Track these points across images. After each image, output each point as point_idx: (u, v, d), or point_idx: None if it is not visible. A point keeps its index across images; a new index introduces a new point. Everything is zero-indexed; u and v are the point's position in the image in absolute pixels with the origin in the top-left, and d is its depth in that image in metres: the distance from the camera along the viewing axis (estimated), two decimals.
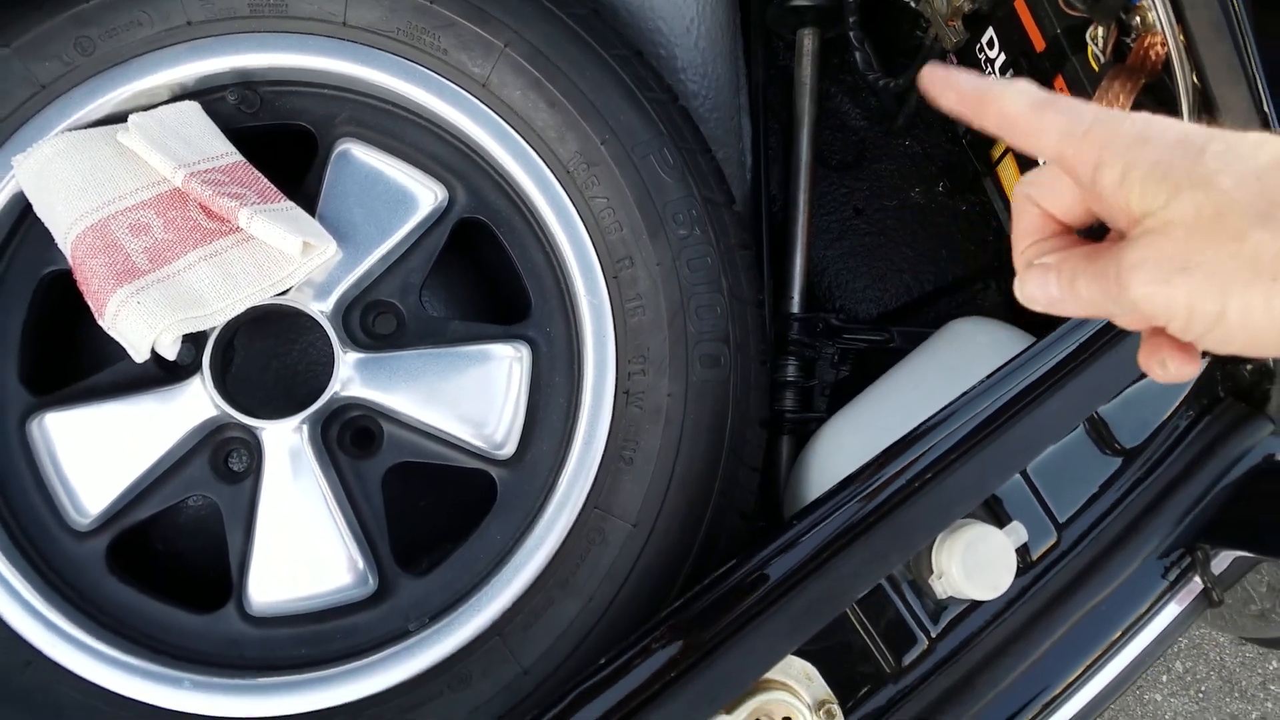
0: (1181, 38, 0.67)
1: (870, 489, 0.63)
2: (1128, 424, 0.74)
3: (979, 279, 1.02)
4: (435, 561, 0.78)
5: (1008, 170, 0.93)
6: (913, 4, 0.90)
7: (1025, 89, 0.40)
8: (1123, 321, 0.39)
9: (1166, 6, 0.67)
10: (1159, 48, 0.71)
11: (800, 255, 0.99)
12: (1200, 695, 1.37)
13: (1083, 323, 0.67)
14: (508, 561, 0.75)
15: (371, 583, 0.76)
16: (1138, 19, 0.72)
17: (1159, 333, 0.39)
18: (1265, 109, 0.65)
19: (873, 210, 1.04)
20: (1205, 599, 0.78)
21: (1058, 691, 0.73)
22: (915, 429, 0.64)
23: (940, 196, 1.04)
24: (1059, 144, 0.39)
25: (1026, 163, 0.90)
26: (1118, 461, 0.74)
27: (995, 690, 0.71)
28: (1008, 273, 1.01)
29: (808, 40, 1.01)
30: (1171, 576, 0.76)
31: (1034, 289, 0.42)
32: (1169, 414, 0.74)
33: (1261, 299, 0.34)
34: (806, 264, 0.98)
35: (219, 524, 0.78)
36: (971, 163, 0.97)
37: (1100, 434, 0.73)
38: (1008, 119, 0.41)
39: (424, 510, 0.87)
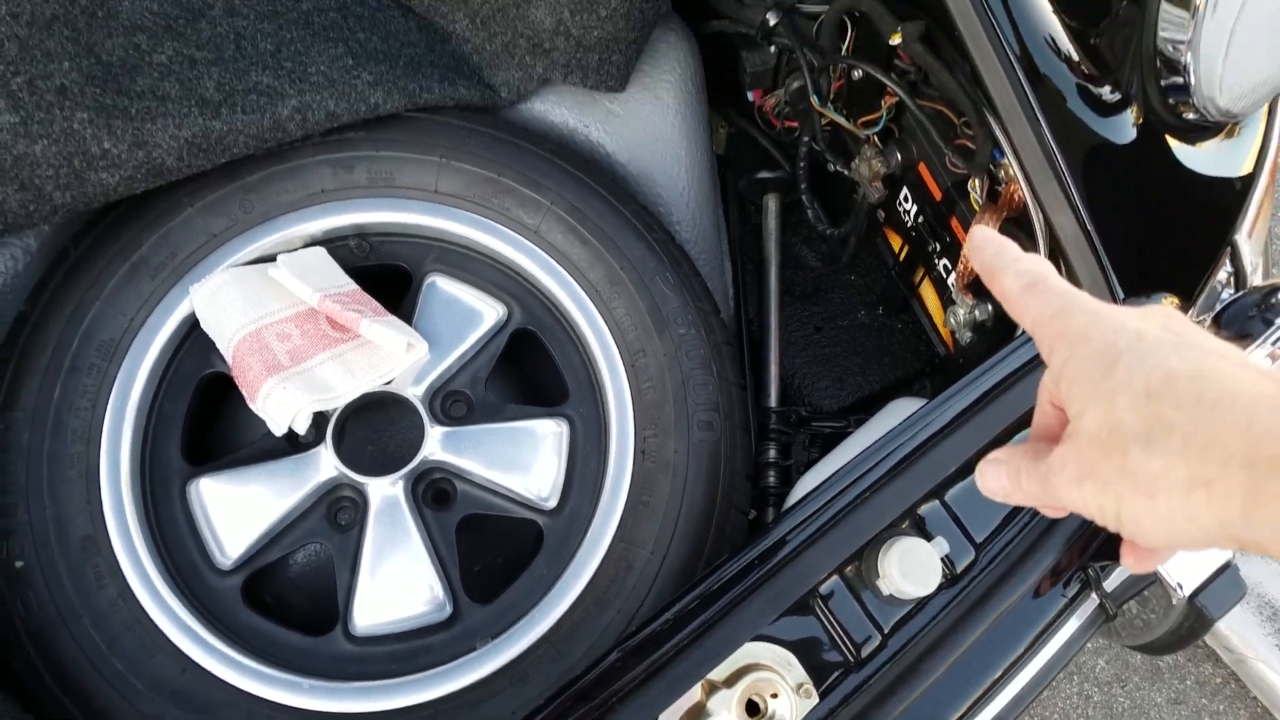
0: (1028, 184, 0.92)
1: (821, 504, 0.84)
2: None
3: (915, 379, 1.24)
4: (496, 593, 0.96)
5: (927, 292, 1.18)
6: (845, 173, 1.18)
7: (1025, 270, 0.43)
8: (1063, 513, 0.43)
9: (1019, 164, 0.93)
10: (1019, 192, 0.96)
11: (774, 363, 1.22)
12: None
13: (979, 377, 0.89)
14: (553, 588, 0.94)
15: (447, 609, 0.94)
16: (1003, 173, 0.98)
17: None
18: (1088, 229, 0.90)
19: (829, 328, 1.29)
20: (1102, 612, 0.96)
21: (986, 686, 0.89)
22: (853, 460, 0.85)
23: (880, 317, 1.29)
24: (1032, 326, 0.42)
25: (942, 288, 1.14)
26: None
27: (935, 677, 0.87)
28: (935, 373, 1.25)
29: (771, 203, 1.29)
30: (1070, 593, 0.94)
31: (989, 481, 0.46)
32: None
33: (1146, 510, 0.37)
34: (780, 370, 1.22)
35: (324, 570, 0.96)
36: (900, 290, 1.22)
37: None
38: (1004, 294, 0.44)
39: (489, 552, 1.06)
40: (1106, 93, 0.91)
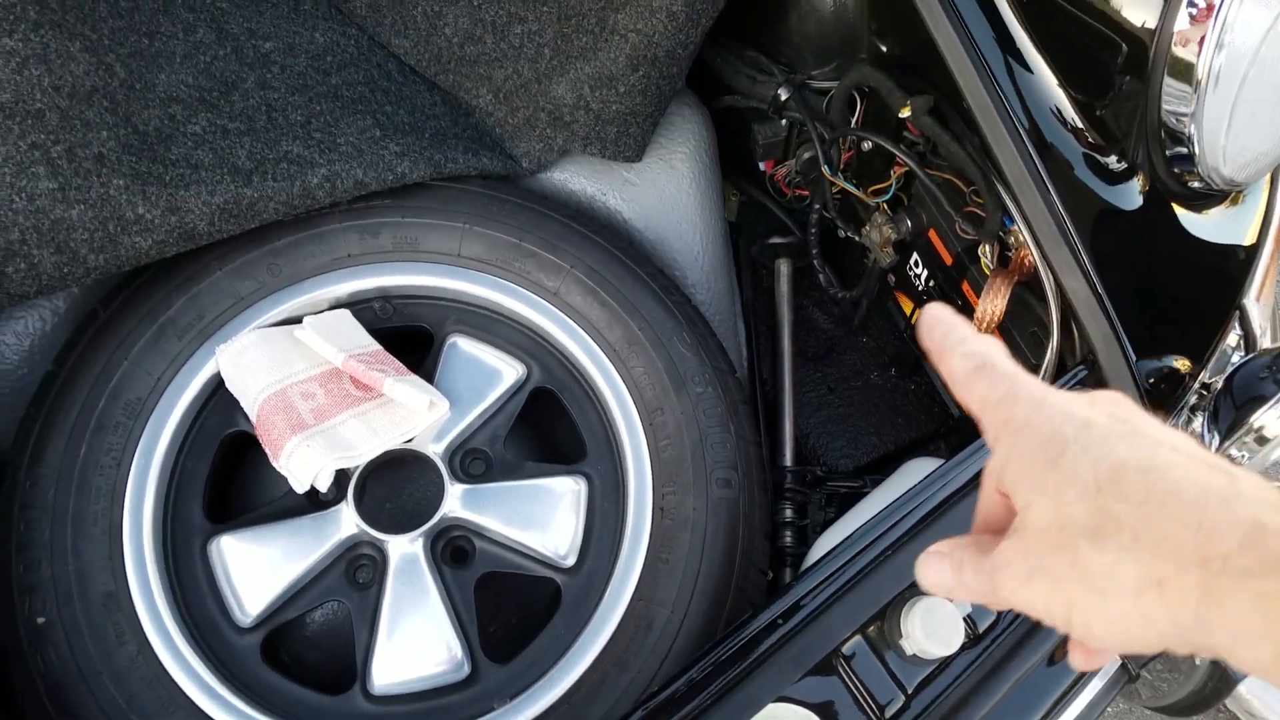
0: (1039, 250, 0.94)
1: (842, 563, 0.83)
2: None
3: (929, 439, 1.25)
4: (514, 653, 0.95)
5: None
6: (856, 239, 1.20)
7: (973, 351, 0.42)
8: (1005, 608, 0.41)
9: (1030, 230, 0.95)
10: (1029, 257, 0.98)
11: (789, 423, 1.23)
12: None
13: None
14: (572, 648, 0.93)
15: (466, 669, 0.93)
16: (1013, 239, 1.00)
17: None
18: (1099, 292, 0.92)
19: (843, 389, 1.30)
20: (1125, 672, 0.95)
21: None
22: (873, 519, 0.85)
23: (892, 378, 1.30)
24: (979, 411, 0.41)
25: None
26: None
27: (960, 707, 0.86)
28: (950, 434, 1.25)
29: (783, 267, 1.31)
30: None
31: (929, 576, 0.43)
32: None
33: (1097, 610, 0.35)
34: (795, 430, 1.22)
35: (341, 628, 0.96)
36: (912, 351, 1.23)
37: None
38: (951, 375, 0.43)
39: (505, 611, 1.05)
40: (1113, 162, 0.94)
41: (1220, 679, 0.87)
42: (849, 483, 1.18)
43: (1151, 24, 0.85)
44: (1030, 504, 0.37)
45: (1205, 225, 0.99)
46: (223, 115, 1.02)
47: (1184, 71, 0.85)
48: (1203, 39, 0.82)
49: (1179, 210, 0.97)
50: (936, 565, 0.43)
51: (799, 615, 0.81)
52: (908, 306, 1.22)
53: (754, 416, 1.05)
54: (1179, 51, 0.84)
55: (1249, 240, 1.00)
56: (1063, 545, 0.36)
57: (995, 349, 0.43)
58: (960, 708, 0.87)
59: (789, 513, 1.17)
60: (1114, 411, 0.39)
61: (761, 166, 1.28)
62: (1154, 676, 0.98)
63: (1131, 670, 0.94)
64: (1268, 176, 1.03)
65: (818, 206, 1.23)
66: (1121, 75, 0.91)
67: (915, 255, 1.15)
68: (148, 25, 1.04)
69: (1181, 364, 0.96)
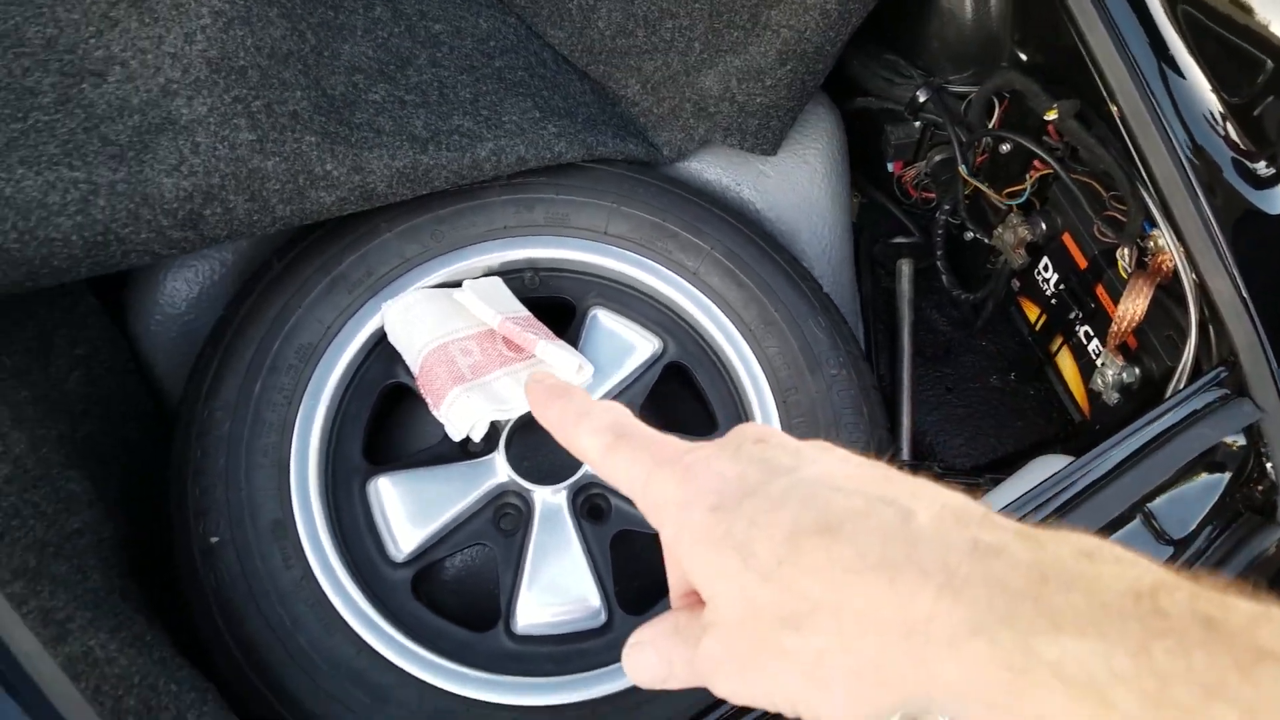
0: (1184, 252, 0.95)
1: None
2: (1173, 523, 0.95)
3: (1050, 444, 1.25)
4: (646, 607, 0.99)
5: (1065, 360, 1.20)
6: (986, 240, 1.22)
7: (602, 426, 0.37)
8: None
9: (1171, 236, 0.97)
10: (1169, 261, 0.99)
11: (907, 418, 1.24)
12: None
13: (1129, 435, 0.91)
14: None
15: (602, 617, 0.97)
16: (1152, 243, 1.01)
17: None
18: (1243, 295, 0.92)
19: (961, 390, 1.31)
20: None
21: None
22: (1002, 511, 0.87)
23: (1012, 383, 1.31)
24: (627, 492, 0.37)
25: (1081, 355, 1.16)
26: (1170, 549, 0.94)
27: None
28: (1070, 438, 1.26)
29: (905, 267, 1.33)
30: None
31: (639, 671, 0.37)
32: (1204, 518, 0.96)
33: (822, 701, 0.31)
34: (912, 426, 1.24)
35: (481, 572, 1.00)
36: (1036, 356, 1.25)
37: (1153, 528, 0.94)
38: (585, 456, 0.39)
39: (638, 570, 1.08)
40: (1262, 167, 0.95)
41: None
42: (967, 480, 1.20)
43: None
44: (715, 595, 0.33)
45: None
46: (399, 87, 1.09)
47: None
48: None
49: None
50: (641, 659, 0.37)
51: None
52: (1032, 312, 1.23)
53: (884, 404, 1.08)
54: None
55: None
56: (763, 638, 0.31)
57: (623, 415, 0.39)
58: None
59: None
60: (765, 457, 0.35)
61: (890, 168, 1.31)
62: None
63: None
64: None
65: (946, 208, 1.26)
66: (1274, 80, 0.92)
67: (1046, 259, 1.17)
68: None
69: None
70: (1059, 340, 1.19)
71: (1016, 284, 1.25)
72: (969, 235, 1.26)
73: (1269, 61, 0.91)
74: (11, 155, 0.90)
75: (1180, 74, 0.95)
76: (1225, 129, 0.95)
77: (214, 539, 0.93)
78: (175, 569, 0.95)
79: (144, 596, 0.91)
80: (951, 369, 1.33)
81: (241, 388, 1.00)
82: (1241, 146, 0.95)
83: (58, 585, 0.78)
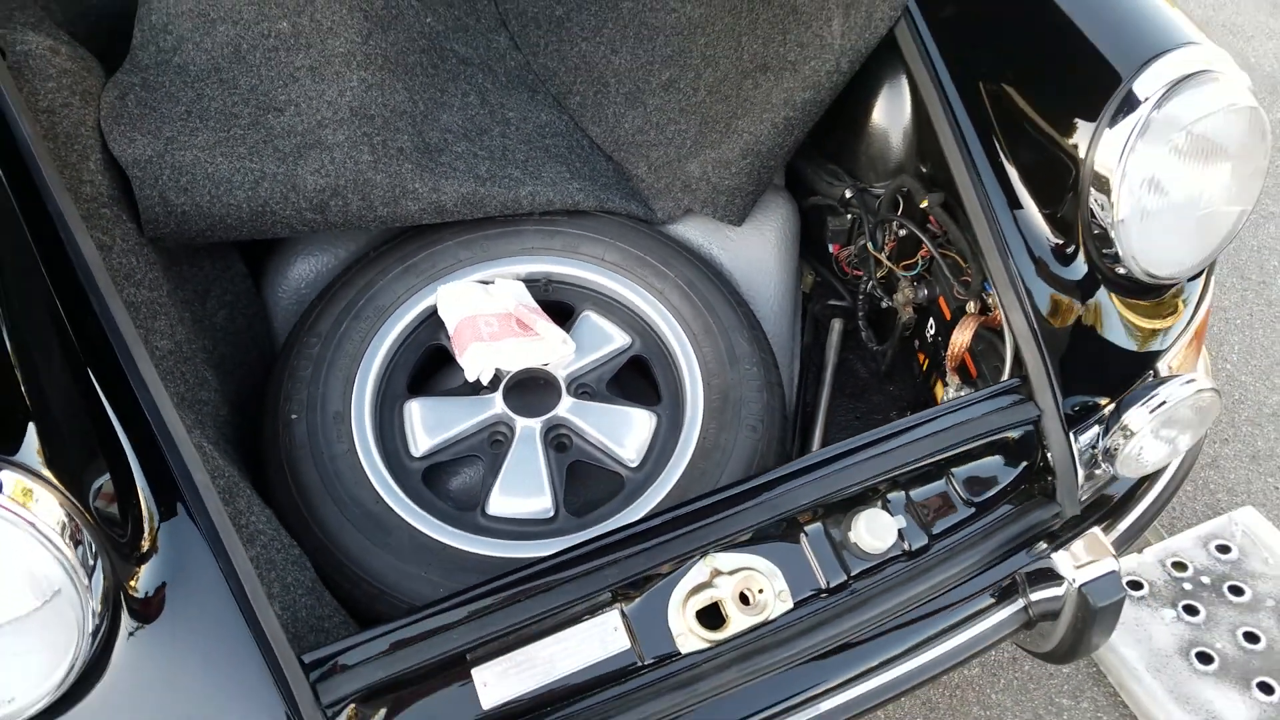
0: (1003, 304, 1.26)
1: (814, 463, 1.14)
2: (975, 490, 1.21)
3: None
4: (585, 514, 1.29)
5: (938, 392, 1.49)
6: (889, 303, 1.54)
7: None
8: None
9: (996, 292, 1.27)
10: (999, 314, 1.30)
11: (819, 435, 1.54)
12: None
13: (941, 414, 1.19)
14: (623, 513, 1.26)
15: (550, 513, 1.28)
16: (990, 298, 1.32)
17: None
18: (1034, 330, 1.22)
19: (867, 420, 1.59)
20: (1024, 614, 1.17)
21: (919, 640, 1.11)
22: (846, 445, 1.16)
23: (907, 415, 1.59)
24: None
25: (948, 386, 1.45)
26: (971, 510, 1.20)
27: (880, 617, 1.10)
28: None
29: (836, 324, 1.66)
30: (997, 594, 1.17)
31: None
32: (1000, 490, 1.22)
33: None
34: (823, 441, 1.54)
35: (471, 476, 1.34)
36: (924, 396, 1.53)
37: (957, 491, 1.21)
38: None
39: (583, 487, 1.39)
40: (1065, 248, 1.26)
41: (1083, 605, 1.10)
42: None
43: (1083, 151, 1.19)
44: None
45: (1141, 306, 1.29)
46: (475, 145, 1.51)
47: (1104, 186, 1.18)
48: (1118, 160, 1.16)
49: (1113, 294, 1.27)
50: None
51: (774, 490, 1.12)
52: (922, 360, 1.53)
53: (781, 395, 1.39)
54: (1100, 169, 1.18)
55: (1173, 323, 1.29)
56: None
57: None
58: (886, 596, 1.13)
59: None
60: None
61: (830, 249, 1.66)
62: (1043, 630, 1.18)
63: (1031, 614, 1.17)
64: (1204, 273, 1.31)
65: (866, 280, 1.59)
66: (1073, 183, 1.24)
67: (931, 318, 1.48)
68: (441, 85, 1.56)
69: (1102, 400, 1.24)
70: (935, 378, 1.49)
71: (917, 343, 1.56)
72: (884, 304, 1.59)
73: (1072, 170, 1.23)
74: (216, 150, 1.35)
75: (1007, 179, 1.29)
76: (1036, 217, 1.27)
77: (294, 416, 1.30)
78: (262, 436, 1.31)
79: (236, 452, 1.27)
80: (863, 404, 1.63)
81: (333, 324, 1.38)
82: (1049, 231, 1.27)
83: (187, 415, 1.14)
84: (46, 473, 0.92)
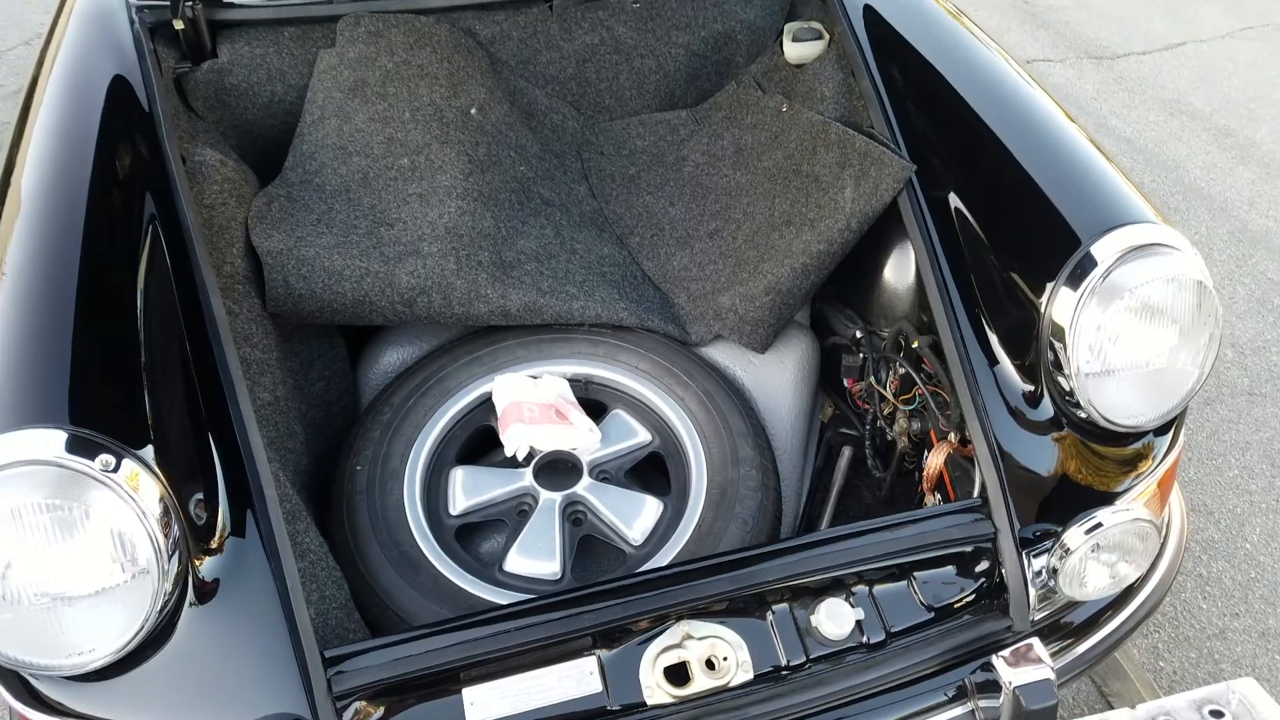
0: (973, 435, 1.39)
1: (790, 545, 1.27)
2: (932, 595, 1.30)
3: None
4: (589, 579, 1.44)
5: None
6: (890, 434, 1.68)
7: None
8: None
9: (969, 425, 1.41)
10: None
11: None
12: None
13: (909, 521, 1.30)
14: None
15: (558, 575, 1.43)
16: (968, 431, 1.45)
17: None
18: (995, 458, 1.34)
19: None
20: (972, 717, 1.22)
21: None
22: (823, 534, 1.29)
23: None
24: None
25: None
26: (930, 614, 1.28)
27: (835, 690, 1.18)
28: None
29: (846, 451, 1.80)
30: (949, 695, 1.23)
31: None
32: (958, 599, 1.30)
33: None
34: None
35: (497, 537, 1.51)
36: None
37: (916, 595, 1.30)
38: None
39: (591, 558, 1.53)
40: (1032, 391, 1.40)
41: (1016, 704, 1.16)
42: None
43: (1044, 305, 1.35)
44: None
45: (1107, 450, 1.39)
46: (544, 266, 1.78)
47: (1061, 337, 1.33)
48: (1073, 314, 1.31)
49: (1080, 437, 1.39)
50: None
51: (746, 567, 1.25)
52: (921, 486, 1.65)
53: (776, 500, 1.53)
54: (1058, 321, 1.33)
55: (1143, 468, 1.38)
56: None
57: None
58: (841, 680, 1.22)
59: None
60: None
61: (845, 383, 1.82)
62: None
63: (977, 716, 1.22)
64: (1173, 426, 1.41)
65: (873, 413, 1.74)
66: (1034, 333, 1.39)
67: (925, 449, 1.61)
68: (524, 218, 1.86)
69: (1059, 528, 1.33)
70: (926, 499, 1.60)
71: (918, 474, 1.68)
72: (888, 435, 1.73)
73: (1035, 323, 1.38)
74: (334, 250, 1.65)
75: (983, 328, 1.45)
76: (1005, 362, 1.42)
77: (359, 467, 1.52)
78: (330, 483, 1.53)
79: (307, 494, 1.49)
80: None
81: (405, 397, 1.62)
82: (1018, 377, 1.41)
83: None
84: (156, 469, 1.15)
